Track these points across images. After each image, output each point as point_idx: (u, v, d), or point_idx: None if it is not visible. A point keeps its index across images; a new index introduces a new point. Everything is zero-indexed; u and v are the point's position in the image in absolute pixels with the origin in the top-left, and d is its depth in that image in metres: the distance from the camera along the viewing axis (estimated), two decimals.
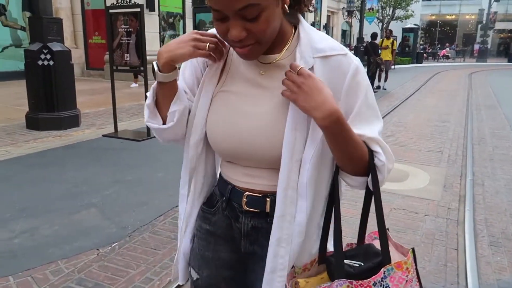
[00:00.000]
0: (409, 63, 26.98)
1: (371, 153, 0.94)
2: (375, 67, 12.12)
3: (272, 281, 0.96)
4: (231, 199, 1.05)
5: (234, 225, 1.06)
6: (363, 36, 24.42)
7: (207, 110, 1.00)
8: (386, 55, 12.92)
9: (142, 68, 5.88)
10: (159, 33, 13.80)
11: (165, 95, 0.98)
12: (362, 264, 0.92)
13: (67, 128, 6.11)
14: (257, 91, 0.95)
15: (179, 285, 1.16)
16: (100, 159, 4.79)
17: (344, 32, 38.12)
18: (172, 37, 14.36)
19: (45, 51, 5.95)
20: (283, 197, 0.93)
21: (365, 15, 24.96)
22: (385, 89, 12.60)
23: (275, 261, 0.96)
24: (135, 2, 7.98)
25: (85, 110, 7.17)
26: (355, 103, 0.92)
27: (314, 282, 0.94)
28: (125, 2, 8.79)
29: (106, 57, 12.46)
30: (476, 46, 40.06)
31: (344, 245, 1.00)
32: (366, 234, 1.04)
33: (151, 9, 12.80)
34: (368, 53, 12.33)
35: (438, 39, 49.68)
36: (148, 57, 5.58)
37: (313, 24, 27.28)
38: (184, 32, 15.02)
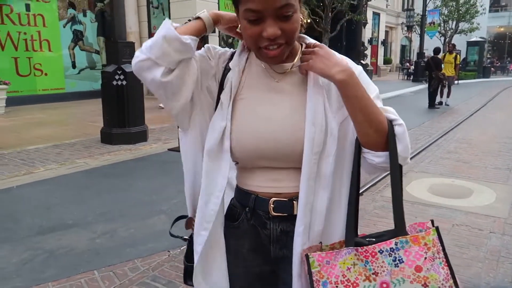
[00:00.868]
0: (474, 78, 25.72)
1: (390, 122, 0.98)
2: (437, 82, 11.72)
3: (302, 271, 0.99)
4: (256, 208, 1.08)
5: (262, 233, 1.09)
6: (424, 51, 23.73)
7: (226, 119, 1.04)
8: (448, 70, 12.48)
9: None
10: None
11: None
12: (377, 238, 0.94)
13: (136, 143, 6.59)
14: (275, 96, 1.03)
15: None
16: (167, 171, 5.14)
17: (403, 48, 37.20)
18: None
19: (119, 72, 6.51)
20: (307, 186, 0.99)
21: (425, 29, 24.30)
22: (448, 105, 12.15)
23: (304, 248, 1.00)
24: None
25: (151, 126, 7.67)
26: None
27: None
28: None
29: None
30: None
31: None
32: (409, 225, 0.98)
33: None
34: (429, 68, 11.97)
35: (508, 52, 46.78)
36: None
37: (370, 40, 26.97)
38: None
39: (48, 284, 2.53)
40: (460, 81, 19.76)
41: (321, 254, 0.92)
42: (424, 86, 16.49)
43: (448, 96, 12.45)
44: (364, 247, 0.90)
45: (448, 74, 12.35)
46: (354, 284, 0.88)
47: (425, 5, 23.00)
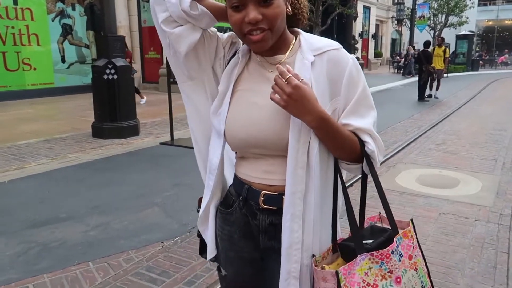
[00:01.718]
0: (463, 71, 25.98)
1: (362, 142, 1.06)
2: (427, 75, 11.85)
3: (289, 255, 1.04)
4: (248, 198, 1.14)
5: (252, 222, 1.15)
6: (414, 45, 23.89)
7: (228, 105, 1.11)
8: (438, 64, 12.60)
9: None
10: None
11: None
12: (373, 241, 1.04)
13: (128, 137, 6.59)
14: (267, 86, 1.03)
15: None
16: (159, 165, 5.16)
17: (394, 41, 37.41)
18: None
19: (110, 66, 6.50)
20: (293, 175, 1.02)
21: (415, 23, 24.45)
22: (437, 98, 12.30)
23: (291, 236, 1.03)
24: None
25: (143, 120, 7.67)
26: (352, 97, 1.05)
27: (332, 268, 1.02)
28: None
29: (161, 70, 13.20)
30: None
31: (344, 235, 1.12)
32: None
33: None
34: (420, 61, 12.08)
35: (496, 45, 47.28)
36: None
37: (361, 34, 27.07)
38: None
39: (43, 276, 2.56)
40: (449, 74, 19.96)
41: (345, 267, 0.98)
42: (414, 79, 16.62)
43: (437, 89, 12.61)
44: (379, 250, 0.97)
45: (437, 67, 12.48)
46: (374, 286, 0.96)
47: None
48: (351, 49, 19.81)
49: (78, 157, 5.42)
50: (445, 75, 15.34)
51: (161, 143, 6.24)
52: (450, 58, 17.54)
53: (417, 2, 23.97)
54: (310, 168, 1.03)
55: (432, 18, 28.60)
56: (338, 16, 17.45)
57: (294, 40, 1.12)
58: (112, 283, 2.47)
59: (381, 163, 5.06)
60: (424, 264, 1.05)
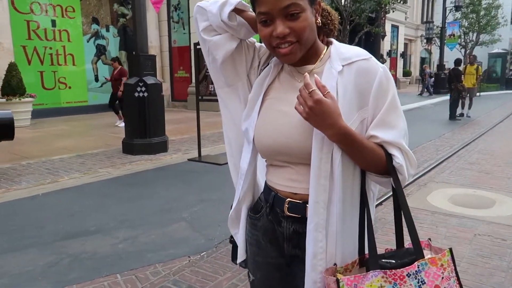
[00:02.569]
0: (496, 90, 25.25)
1: (390, 156, 1.03)
2: (457, 94, 11.57)
3: (314, 265, 1.03)
4: (274, 205, 1.15)
5: (277, 229, 1.16)
6: (444, 63, 23.49)
7: (258, 112, 1.14)
8: (470, 82, 12.30)
9: None
10: None
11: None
12: (396, 261, 0.99)
13: (157, 153, 6.70)
14: (294, 95, 1.03)
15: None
16: (187, 181, 5.21)
17: (423, 60, 36.87)
18: None
19: (140, 84, 6.68)
20: (316, 184, 1.02)
21: (445, 41, 24.09)
22: (469, 117, 11.97)
23: (316, 246, 1.03)
24: None
25: (172, 138, 7.80)
26: (381, 107, 1.03)
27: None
28: None
29: (190, 89, 13.47)
30: None
31: (383, 250, 1.07)
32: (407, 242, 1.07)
33: None
34: (450, 79, 11.83)
35: None
36: None
37: (389, 53, 26.87)
38: None
39: (73, 286, 2.60)
40: (482, 93, 19.44)
41: (350, 278, 0.94)
42: (445, 98, 16.28)
43: (469, 107, 12.27)
44: (393, 270, 0.93)
45: (469, 86, 12.18)
46: None
47: (444, 17, 22.85)
48: None
49: (109, 172, 5.54)
50: (477, 94, 14.95)
51: (189, 160, 6.31)
52: (482, 77, 17.06)
53: (447, 21, 23.65)
54: (334, 178, 1.03)
55: (463, 37, 28.10)
56: (366, 35, 17.41)
57: (325, 50, 1.13)
58: None
59: (411, 182, 4.94)
60: None
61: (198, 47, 6.49)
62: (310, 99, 0.97)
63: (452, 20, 26.94)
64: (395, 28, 28.40)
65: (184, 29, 14.66)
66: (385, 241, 3.17)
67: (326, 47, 1.14)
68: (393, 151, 1.03)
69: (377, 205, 3.95)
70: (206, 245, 3.19)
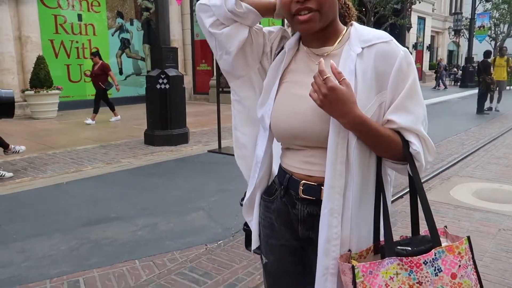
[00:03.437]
0: None
1: (406, 142, 1.00)
2: (484, 86, 11.17)
3: (327, 251, 1.01)
4: (289, 187, 1.14)
5: (291, 211, 1.15)
6: (473, 56, 22.77)
7: (274, 98, 1.12)
8: (500, 75, 11.84)
9: None
10: None
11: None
12: (412, 248, 0.97)
13: (178, 144, 6.78)
14: (311, 79, 1.00)
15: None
16: (206, 171, 5.25)
17: (450, 53, 35.92)
18: None
19: (162, 76, 6.75)
20: (332, 169, 1.00)
21: (474, 33, 23.33)
22: (498, 111, 11.57)
23: (330, 231, 1.01)
24: None
25: (192, 129, 7.86)
26: (400, 91, 1.00)
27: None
28: None
29: (211, 82, 13.53)
30: None
31: (397, 237, 1.05)
32: (422, 230, 1.05)
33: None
34: (479, 72, 11.43)
35: None
36: None
37: (415, 45, 26.23)
38: None
39: (93, 271, 2.67)
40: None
41: (365, 264, 0.93)
42: (472, 92, 15.81)
43: (498, 101, 11.85)
44: (409, 257, 0.92)
45: (498, 79, 11.73)
46: None
47: (474, 8, 22.10)
48: None
49: (131, 162, 5.64)
50: (508, 87, 14.43)
51: (209, 151, 6.36)
52: None
53: (476, 12, 22.87)
54: (350, 163, 1.01)
55: (493, 28, 27.14)
56: (391, 27, 17.05)
57: (344, 31, 1.11)
58: (156, 281, 2.52)
59: (434, 176, 4.83)
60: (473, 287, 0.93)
61: None
62: (324, 86, 0.94)
63: (482, 11, 26.06)
64: (421, 20, 27.67)
65: None
66: (404, 234, 3.11)
67: (346, 29, 1.11)
68: (410, 137, 1.00)
69: (398, 198, 3.88)
70: (223, 234, 3.22)
